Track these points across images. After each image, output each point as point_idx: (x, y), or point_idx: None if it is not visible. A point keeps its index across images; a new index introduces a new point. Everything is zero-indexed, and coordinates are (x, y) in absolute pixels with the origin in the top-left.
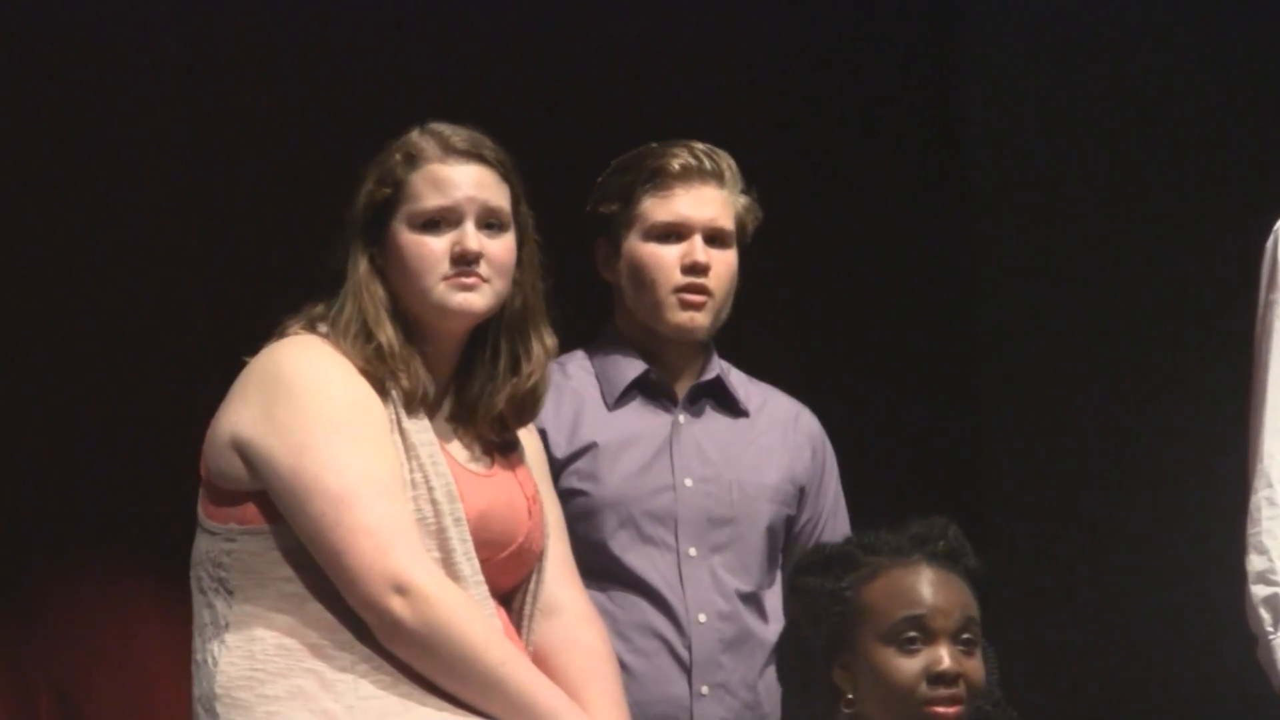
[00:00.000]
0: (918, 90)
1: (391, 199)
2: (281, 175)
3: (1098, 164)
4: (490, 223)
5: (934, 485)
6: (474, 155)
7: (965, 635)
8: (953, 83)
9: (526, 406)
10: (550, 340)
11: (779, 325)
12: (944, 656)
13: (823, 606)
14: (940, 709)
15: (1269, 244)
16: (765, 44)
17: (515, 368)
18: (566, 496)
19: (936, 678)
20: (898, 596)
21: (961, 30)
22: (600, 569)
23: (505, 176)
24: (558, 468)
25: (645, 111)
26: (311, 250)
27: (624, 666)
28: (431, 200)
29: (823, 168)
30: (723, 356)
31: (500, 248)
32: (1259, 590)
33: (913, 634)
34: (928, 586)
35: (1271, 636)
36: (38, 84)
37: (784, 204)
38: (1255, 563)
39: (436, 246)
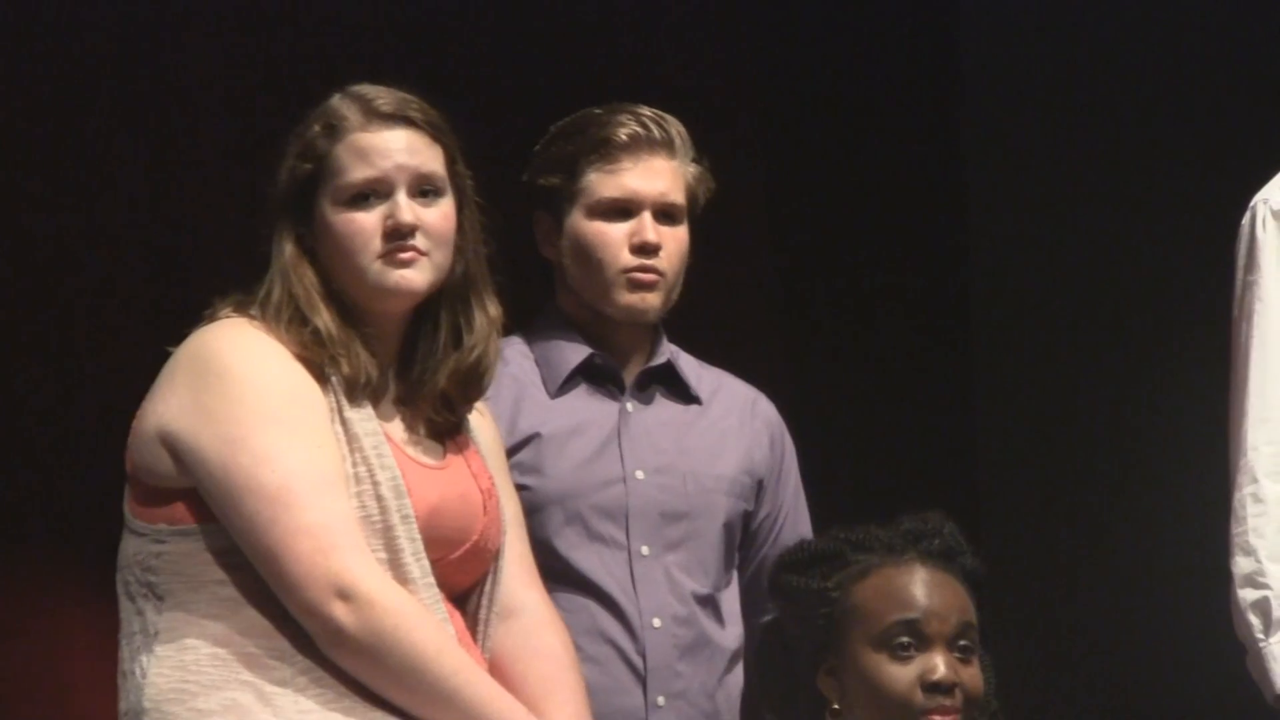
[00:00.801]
0: (914, 79)
1: (315, 174)
2: (228, 155)
3: (1094, 155)
4: (424, 189)
5: (927, 481)
6: (399, 118)
7: (962, 641)
8: (950, 70)
9: (471, 382)
10: (494, 309)
11: (768, 318)
12: (940, 664)
13: (808, 607)
14: (936, 717)
15: (1245, 222)
16: (756, 23)
17: (457, 341)
18: None
19: (932, 687)
20: (890, 598)
21: (959, 12)
22: (546, 569)
23: (437, 137)
24: None
25: (626, 84)
26: (253, 232)
27: None
28: (357, 173)
29: (815, 156)
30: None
31: (437, 216)
32: (1247, 594)
33: (906, 639)
34: (922, 587)
35: (1262, 644)
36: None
37: (774, 192)
38: (1242, 565)
39: (367, 223)
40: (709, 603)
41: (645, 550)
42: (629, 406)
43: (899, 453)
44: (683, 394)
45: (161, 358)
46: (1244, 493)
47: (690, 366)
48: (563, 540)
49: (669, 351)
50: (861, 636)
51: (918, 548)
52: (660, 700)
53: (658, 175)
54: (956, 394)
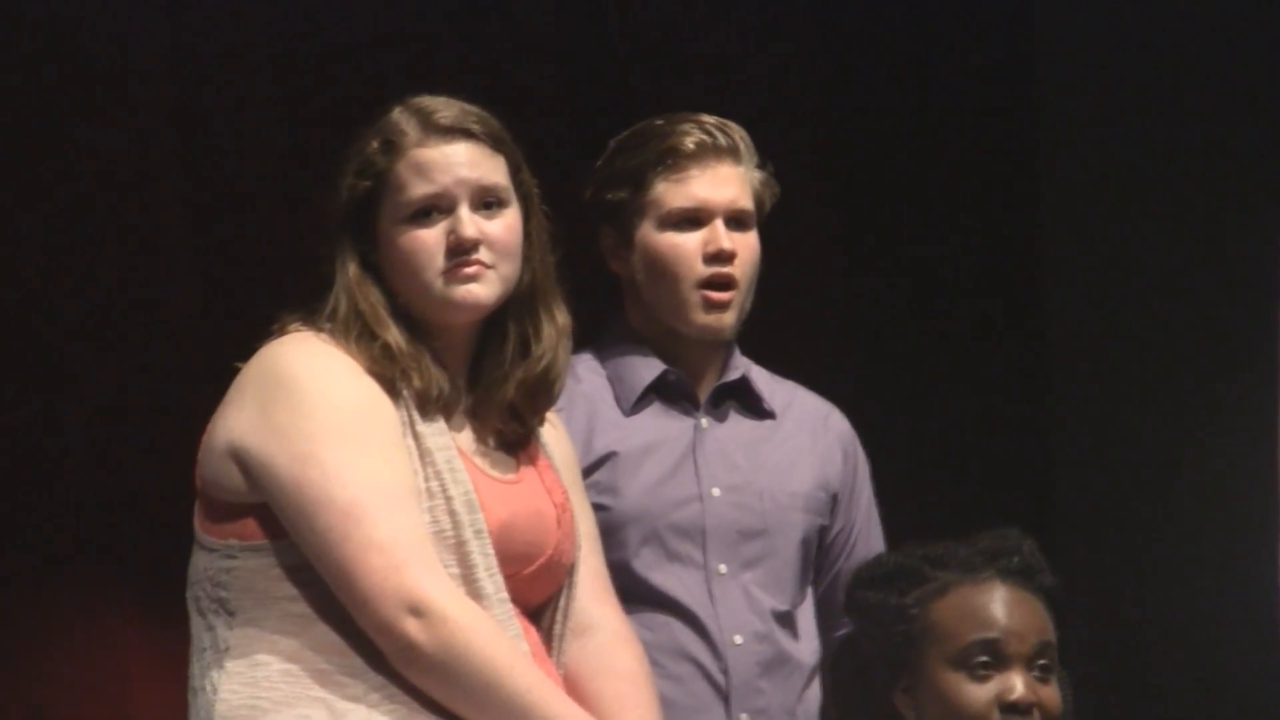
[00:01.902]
0: (986, 84)
1: (374, 191)
2: (277, 164)
3: (1172, 143)
4: (487, 201)
5: (1003, 497)
6: (459, 131)
7: (1041, 661)
8: (1025, 76)
9: (540, 392)
10: (563, 318)
11: (835, 328)
12: (1018, 684)
13: (885, 624)
14: None
15: None
16: (822, 22)
17: (525, 351)
18: None
19: (1009, 707)
20: (969, 617)
21: (1035, 13)
22: (625, 589)
23: (497, 148)
24: None
25: (678, 90)
26: (310, 247)
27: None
28: (418, 189)
29: (883, 165)
30: (770, 363)
31: (501, 228)
32: None
33: (985, 658)
34: (1001, 607)
35: None
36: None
37: (840, 202)
38: None
39: (430, 239)
40: (787, 619)
41: (723, 569)
42: (703, 423)
43: (974, 468)
44: (756, 409)
45: (213, 368)
46: None
47: (763, 380)
48: (640, 561)
49: (742, 366)
50: (939, 655)
51: (996, 565)
52: (743, 718)
53: (726, 182)
54: (1032, 407)
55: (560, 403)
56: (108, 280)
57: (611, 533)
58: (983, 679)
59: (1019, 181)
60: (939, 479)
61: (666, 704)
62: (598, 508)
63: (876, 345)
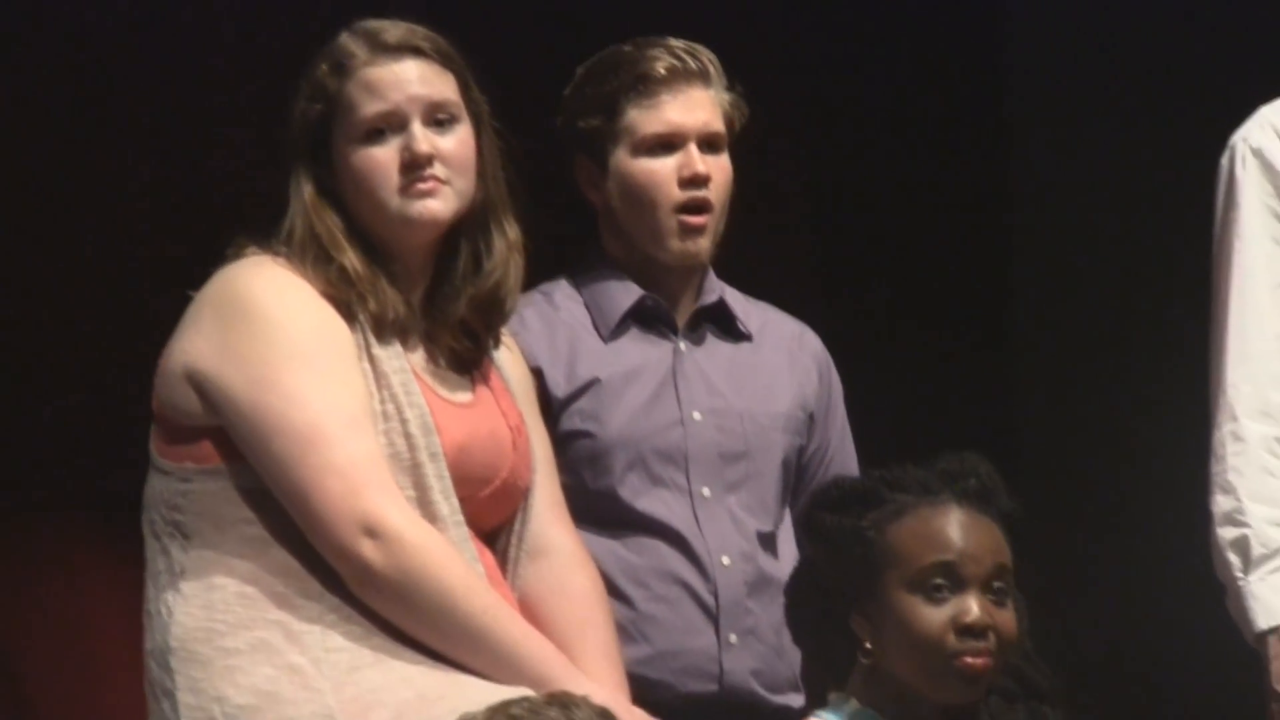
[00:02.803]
0: (956, 26)
1: (327, 114)
2: (237, 79)
3: (1132, 86)
4: (439, 118)
5: (964, 421)
6: (407, 49)
7: (997, 584)
8: (993, 19)
9: (492, 308)
10: (514, 233)
11: (803, 256)
12: (973, 607)
13: (842, 547)
14: (969, 659)
15: (1224, 161)
16: None
17: (477, 267)
18: (570, 438)
19: (965, 629)
20: (925, 539)
21: None
22: (612, 515)
23: (447, 64)
24: (558, 407)
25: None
26: (272, 170)
27: (645, 617)
28: (369, 108)
29: (853, 105)
30: (740, 287)
31: (455, 143)
32: (1226, 532)
33: (940, 581)
34: (958, 529)
35: (1241, 582)
36: None
37: (809, 143)
38: (1221, 503)
39: (384, 157)
40: (769, 540)
41: (706, 491)
42: (682, 347)
43: (935, 393)
44: (732, 331)
45: (177, 302)
46: (1224, 431)
47: (738, 302)
48: (626, 487)
49: (718, 288)
50: (895, 578)
51: (953, 488)
52: (733, 638)
53: (698, 105)
54: (994, 333)
55: (541, 332)
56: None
57: (597, 459)
58: (939, 601)
59: (987, 120)
60: (901, 407)
61: (657, 625)
62: (582, 435)
63: (838, 271)
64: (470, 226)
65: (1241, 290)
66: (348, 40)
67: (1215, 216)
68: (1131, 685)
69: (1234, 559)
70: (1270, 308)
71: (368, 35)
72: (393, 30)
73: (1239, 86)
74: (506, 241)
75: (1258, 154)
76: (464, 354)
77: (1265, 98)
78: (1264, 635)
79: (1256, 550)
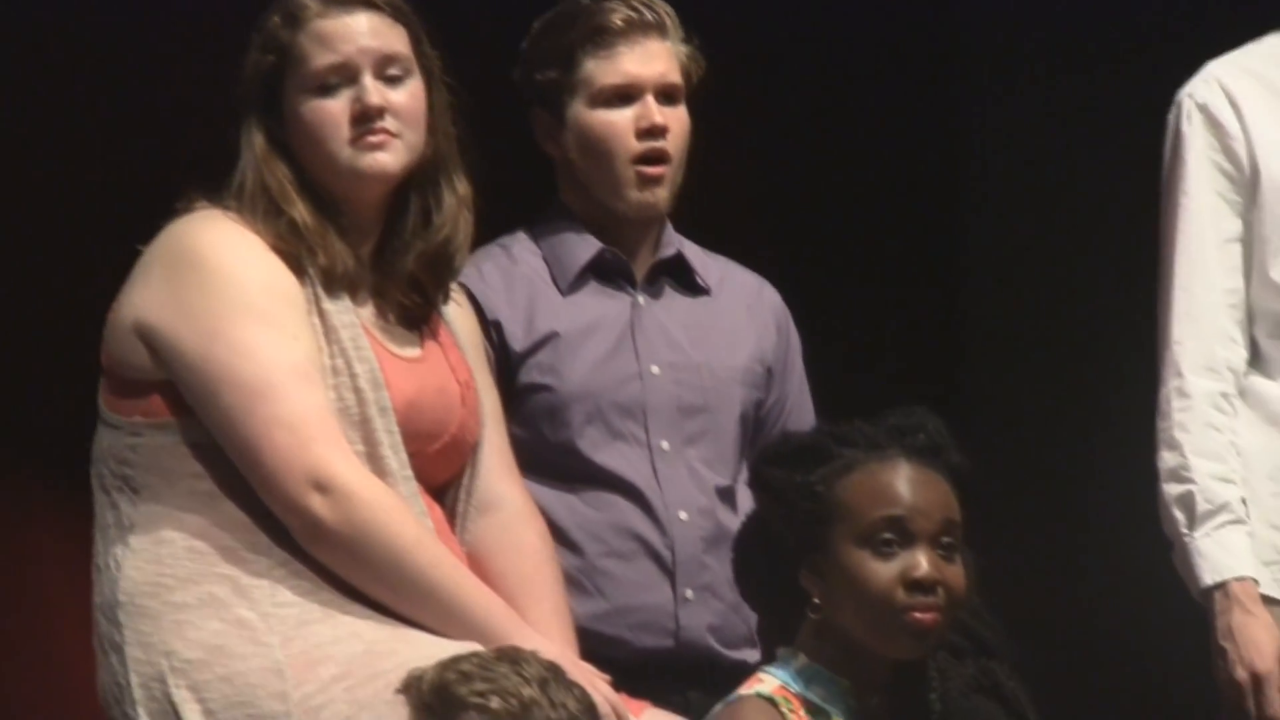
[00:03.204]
0: None
1: (278, 66)
2: (190, 33)
3: (1084, 40)
4: (390, 72)
5: (915, 376)
6: (359, 2)
7: (945, 539)
8: None
9: (441, 264)
10: (464, 188)
11: (749, 204)
12: (922, 562)
13: (791, 502)
14: (918, 615)
15: (1170, 117)
16: None
17: (426, 221)
18: (528, 391)
19: (914, 584)
20: (874, 494)
21: None
22: (570, 469)
23: (399, 18)
24: (516, 361)
25: None
26: (224, 123)
27: (601, 572)
28: (320, 59)
29: (798, 41)
30: (683, 228)
31: (406, 96)
32: (1172, 488)
33: (889, 536)
34: (906, 484)
35: (1187, 538)
36: None
37: (756, 78)
38: (1167, 459)
39: (335, 109)
40: (728, 495)
41: (665, 445)
42: (640, 300)
43: (885, 349)
44: (691, 285)
45: (126, 256)
46: (1169, 387)
47: (696, 256)
48: (585, 440)
49: (676, 242)
50: (844, 533)
51: (902, 443)
52: (689, 593)
53: (655, 57)
54: (945, 288)
55: (500, 284)
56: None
57: (555, 413)
58: (887, 556)
59: (940, 71)
60: (851, 363)
61: (613, 581)
62: (541, 388)
63: (788, 223)
64: (420, 182)
65: (1187, 246)
66: None
67: (1163, 173)
68: (1080, 641)
69: (1179, 515)
70: (1216, 263)
71: None
72: None
73: (1190, 43)
74: (456, 197)
75: (1203, 109)
76: (413, 309)
77: (1214, 53)
78: (1209, 591)
79: (1201, 506)
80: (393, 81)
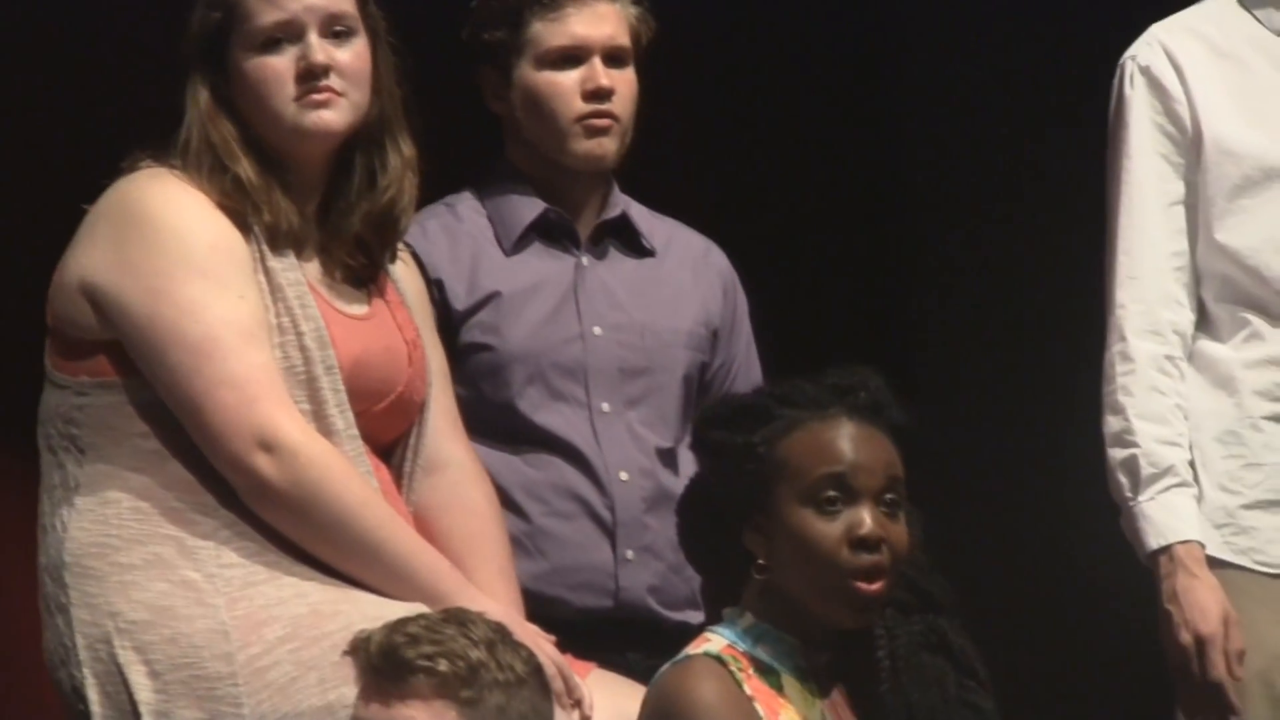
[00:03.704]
0: None
1: (224, 23)
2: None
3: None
4: (336, 30)
5: (860, 335)
6: None
7: (889, 496)
8: None
9: (386, 225)
10: (409, 150)
11: (692, 160)
12: (866, 519)
13: (733, 463)
14: (863, 585)
15: (1114, 81)
16: None
17: (371, 182)
18: (469, 351)
19: (858, 542)
20: (816, 452)
21: None
22: (510, 429)
23: None
24: (459, 319)
25: None
26: (171, 83)
27: (541, 532)
28: (266, 16)
29: (746, 7)
30: (628, 190)
31: (350, 55)
32: (1116, 453)
33: (833, 493)
34: (848, 442)
35: (1132, 503)
36: None
37: (698, 39)
38: (1111, 424)
39: (280, 66)
40: (669, 457)
41: (606, 407)
42: (584, 261)
43: (831, 308)
44: (636, 247)
45: (71, 214)
46: (1113, 351)
47: (643, 217)
48: (525, 400)
49: (622, 203)
50: (788, 492)
51: (844, 402)
52: (629, 554)
53: (603, 19)
54: (888, 246)
55: (444, 243)
56: None
57: (496, 373)
58: (831, 515)
59: (879, 31)
60: (798, 323)
61: (553, 541)
62: (482, 348)
63: (732, 184)
64: (365, 142)
65: (1130, 209)
66: None
67: (1109, 137)
68: (1028, 598)
69: (1124, 479)
70: (1159, 226)
71: None
72: None
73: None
74: (402, 158)
75: (1145, 72)
76: (359, 270)
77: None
78: (1155, 555)
79: (1146, 470)
80: (338, 39)
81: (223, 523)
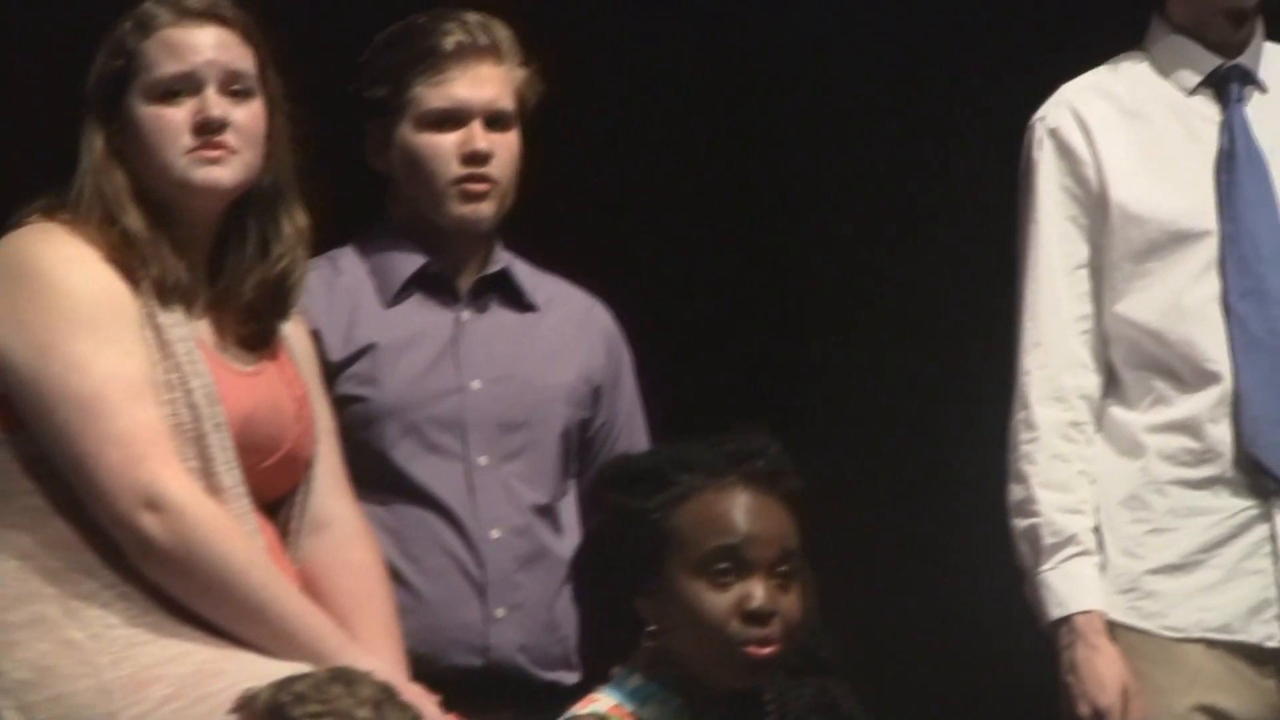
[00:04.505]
0: None
1: (125, 71)
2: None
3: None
4: (235, 88)
5: (755, 397)
6: (211, 16)
7: (782, 567)
8: None
9: (278, 294)
10: (302, 219)
11: (578, 212)
12: (758, 592)
13: (627, 528)
14: (754, 649)
15: (1025, 142)
16: None
17: (264, 251)
18: (344, 403)
19: (749, 615)
20: (710, 523)
21: None
22: (383, 481)
23: (249, 38)
24: (333, 371)
25: None
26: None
27: (411, 588)
28: (168, 67)
29: (629, 51)
30: (513, 246)
31: (247, 115)
32: (1019, 522)
33: (725, 565)
34: (743, 513)
35: (1034, 571)
36: None
37: (583, 85)
38: (1015, 492)
39: (176, 117)
40: (547, 513)
41: (483, 461)
42: (464, 315)
43: (727, 370)
44: (519, 302)
45: None
46: (1017, 419)
47: (526, 274)
48: (399, 452)
49: (504, 259)
50: (680, 562)
51: (740, 469)
52: (499, 612)
53: (486, 82)
54: (786, 309)
55: (321, 294)
56: None
57: (370, 424)
58: (723, 586)
59: (764, 94)
60: (688, 377)
61: (423, 599)
62: (357, 399)
63: (626, 243)
64: (259, 209)
65: (1036, 274)
66: (152, 4)
67: (1018, 199)
68: (922, 660)
69: (1026, 548)
70: (1065, 290)
71: (172, 1)
72: None
73: (1045, 65)
74: (295, 227)
75: (1053, 135)
76: (249, 335)
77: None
78: (1055, 624)
79: (1047, 539)
80: (236, 97)
81: (107, 583)
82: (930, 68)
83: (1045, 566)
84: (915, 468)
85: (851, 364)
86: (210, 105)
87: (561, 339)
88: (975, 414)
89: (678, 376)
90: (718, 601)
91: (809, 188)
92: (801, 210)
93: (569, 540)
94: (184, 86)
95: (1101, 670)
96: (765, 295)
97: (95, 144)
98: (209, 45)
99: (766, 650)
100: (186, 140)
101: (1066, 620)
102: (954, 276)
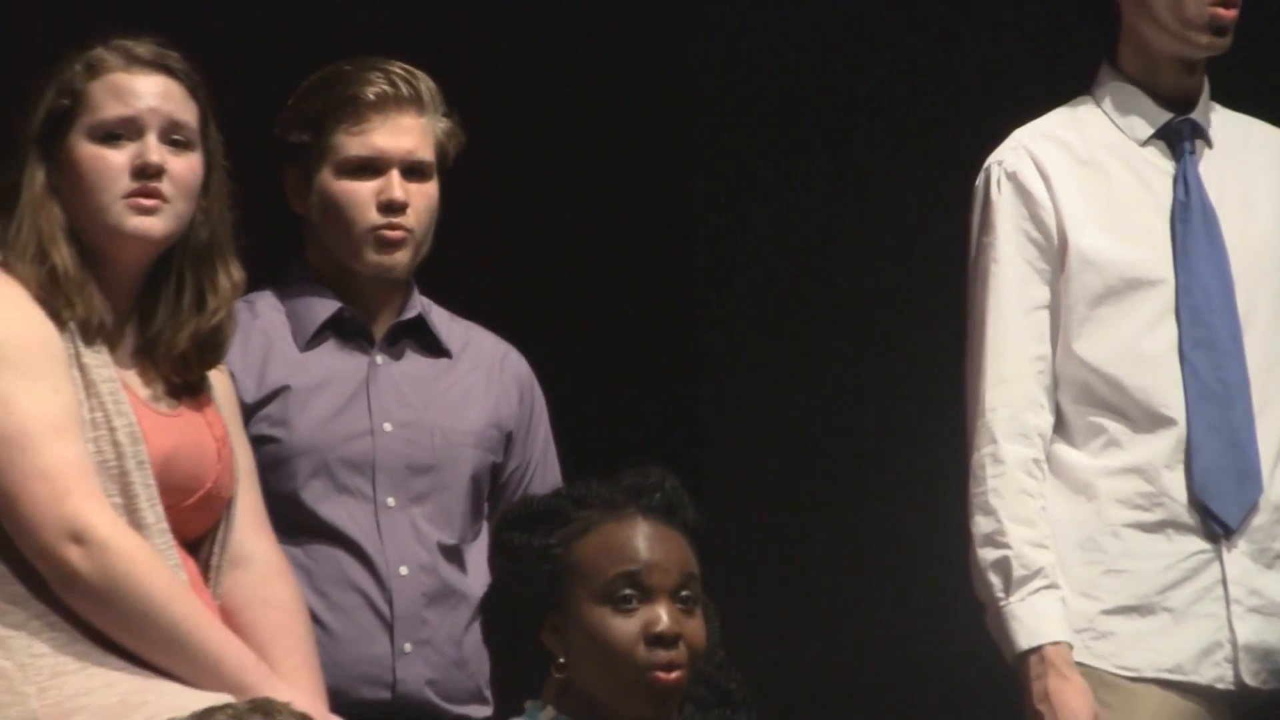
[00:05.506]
0: (641, 26)
1: (70, 110)
2: None
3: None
4: (175, 138)
5: (650, 433)
6: (159, 66)
7: (685, 593)
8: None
9: (211, 347)
10: (238, 274)
11: (487, 259)
12: (663, 615)
13: (530, 565)
14: (660, 675)
15: (979, 184)
16: None
17: (200, 304)
18: (256, 443)
19: (655, 639)
20: (611, 552)
21: None
22: (293, 521)
23: (193, 92)
24: (247, 413)
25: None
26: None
27: (321, 624)
28: (112, 110)
29: (540, 105)
30: (426, 291)
31: (185, 166)
32: (987, 554)
33: (628, 592)
34: (644, 540)
35: (1003, 603)
36: None
37: (497, 136)
38: (982, 524)
39: (116, 160)
40: (454, 553)
41: (391, 501)
42: (378, 360)
43: (623, 409)
44: (433, 347)
45: None
46: (983, 453)
47: (442, 320)
48: (309, 492)
49: (420, 305)
50: (584, 592)
51: (639, 503)
52: (407, 647)
53: (405, 133)
54: (679, 341)
55: (237, 338)
56: None
57: (281, 465)
58: (628, 612)
59: (674, 126)
60: (589, 420)
61: (332, 634)
62: (268, 440)
63: (526, 277)
64: (195, 262)
65: (997, 314)
66: (103, 50)
67: (970, 240)
68: (830, 694)
69: (995, 580)
70: (1023, 330)
71: (124, 48)
72: (150, 48)
73: (995, 109)
74: (231, 282)
75: (1013, 178)
76: (178, 383)
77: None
78: (1025, 655)
79: (1018, 572)
80: (176, 148)
81: (33, 614)
82: (834, 113)
83: (1015, 598)
84: (822, 503)
85: (752, 398)
86: (150, 150)
87: (473, 385)
88: (880, 448)
89: (587, 417)
90: (624, 628)
91: (712, 226)
92: (706, 251)
93: (476, 580)
94: (126, 130)
95: (1074, 700)
96: (664, 340)
97: (36, 179)
98: (154, 93)
99: (673, 675)
100: (124, 183)
101: (1037, 650)
102: (858, 309)
